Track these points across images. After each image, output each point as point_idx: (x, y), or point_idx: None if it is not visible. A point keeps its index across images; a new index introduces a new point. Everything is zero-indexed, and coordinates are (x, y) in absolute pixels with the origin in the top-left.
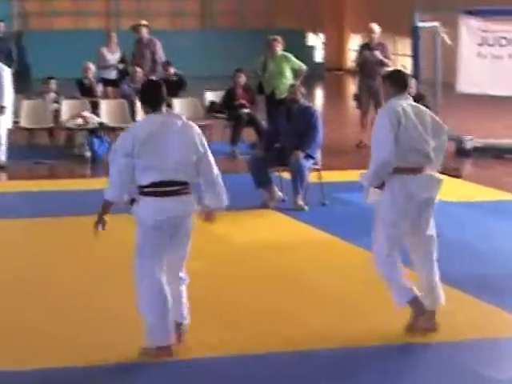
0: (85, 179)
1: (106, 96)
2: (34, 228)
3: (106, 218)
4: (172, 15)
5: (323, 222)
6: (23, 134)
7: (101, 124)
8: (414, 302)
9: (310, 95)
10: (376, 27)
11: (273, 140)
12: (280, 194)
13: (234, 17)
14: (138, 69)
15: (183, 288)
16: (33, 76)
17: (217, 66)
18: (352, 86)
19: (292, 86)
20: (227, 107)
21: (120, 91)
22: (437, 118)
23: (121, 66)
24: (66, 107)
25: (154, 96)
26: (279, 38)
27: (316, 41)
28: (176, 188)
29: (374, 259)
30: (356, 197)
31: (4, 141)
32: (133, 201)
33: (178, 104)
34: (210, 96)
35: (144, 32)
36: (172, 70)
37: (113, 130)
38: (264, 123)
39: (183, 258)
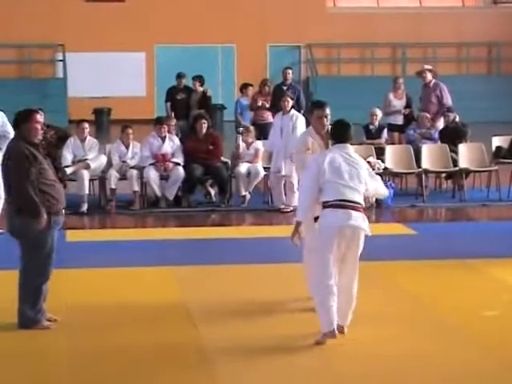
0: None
1: (391, 141)
2: None
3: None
4: (458, 61)
5: None
6: None
7: (386, 169)
8: None
9: None
10: None
11: None
12: None
13: None
14: (425, 114)
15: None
16: None
17: (502, 111)
18: None
19: None
20: None
21: (405, 137)
22: None
23: (406, 112)
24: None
25: (339, 132)
26: None
27: None
28: (353, 204)
29: None
30: None
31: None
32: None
33: (462, 149)
34: (497, 141)
35: (429, 76)
36: (452, 117)
37: (398, 176)
38: None
39: (352, 272)
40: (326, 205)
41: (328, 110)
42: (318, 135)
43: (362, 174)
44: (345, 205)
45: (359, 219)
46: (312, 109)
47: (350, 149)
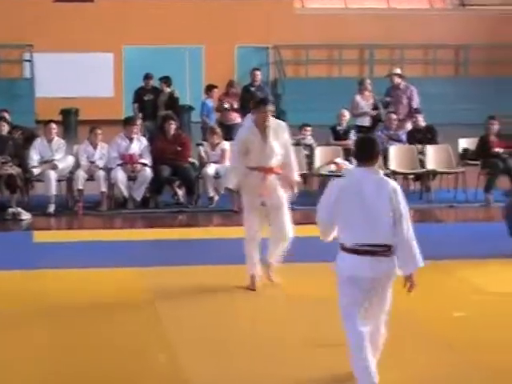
0: None
1: None
2: None
3: None
4: (426, 63)
5: None
6: None
7: None
8: None
9: None
10: None
11: None
12: None
13: (485, 65)
14: (394, 115)
15: (379, 343)
16: (288, 123)
17: (469, 113)
18: None
19: None
20: (481, 155)
21: None
22: None
23: (374, 113)
24: (320, 154)
25: (366, 151)
26: None
27: None
28: (375, 249)
29: None
30: None
31: None
32: None
33: (430, 151)
34: (464, 143)
35: (398, 79)
36: (420, 118)
37: None
38: None
39: (382, 311)
40: (342, 247)
41: (271, 107)
42: (258, 129)
43: (391, 206)
44: (364, 250)
45: (379, 266)
46: (258, 105)
47: (380, 173)
